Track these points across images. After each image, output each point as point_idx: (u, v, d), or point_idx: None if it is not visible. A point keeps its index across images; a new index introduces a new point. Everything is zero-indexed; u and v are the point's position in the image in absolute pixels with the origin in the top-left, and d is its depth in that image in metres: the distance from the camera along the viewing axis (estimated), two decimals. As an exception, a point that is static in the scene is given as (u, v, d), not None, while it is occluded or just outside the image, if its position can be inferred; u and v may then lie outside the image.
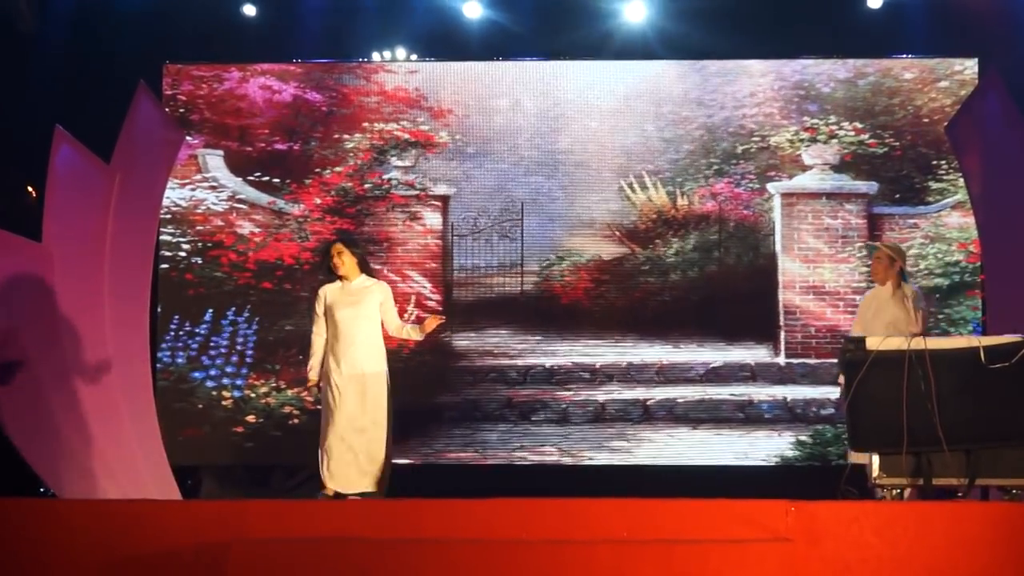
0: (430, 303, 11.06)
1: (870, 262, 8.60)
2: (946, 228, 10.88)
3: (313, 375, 8.24)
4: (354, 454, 8.04)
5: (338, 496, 7.99)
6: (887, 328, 7.99)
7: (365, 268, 8.35)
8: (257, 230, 11.17)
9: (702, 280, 10.96)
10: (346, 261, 8.23)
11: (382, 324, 8.26)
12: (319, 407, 8.35)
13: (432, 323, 8.24)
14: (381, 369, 8.19)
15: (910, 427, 6.95)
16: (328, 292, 8.28)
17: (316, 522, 6.49)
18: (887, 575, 6.19)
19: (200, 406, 10.97)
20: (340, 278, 8.26)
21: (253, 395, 10.97)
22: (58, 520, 6.54)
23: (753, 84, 11.07)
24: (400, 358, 10.84)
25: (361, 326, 8.17)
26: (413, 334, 8.36)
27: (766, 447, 10.71)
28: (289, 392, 10.91)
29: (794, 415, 10.77)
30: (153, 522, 6.50)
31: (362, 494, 8.03)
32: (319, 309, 8.27)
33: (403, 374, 10.76)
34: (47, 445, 8.73)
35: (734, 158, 11.04)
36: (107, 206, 9.38)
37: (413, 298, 11.03)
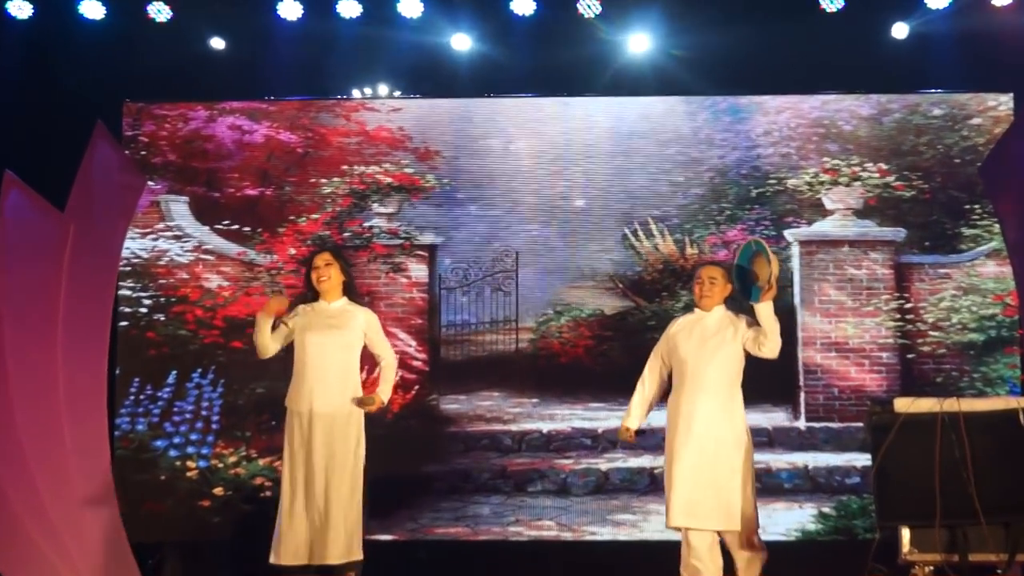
0: (415, 363, 11.04)
1: (709, 278, 8.00)
2: (980, 278, 10.86)
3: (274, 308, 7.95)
4: (316, 514, 7.76)
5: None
6: (715, 354, 7.85)
7: (350, 292, 8.12)
8: (226, 284, 11.13)
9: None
10: (332, 275, 7.95)
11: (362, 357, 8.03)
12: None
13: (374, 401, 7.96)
14: (356, 410, 7.91)
15: (943, 497, 6.96)
16: (300, 310, 8.01)
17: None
18: (920, 660, 6.17)
19: (162, 477, 10.88)
20: (317, 297, 8.01)
21: (221, 465, 10.89)
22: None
23: (768, 122, 11.09)
24: (382, 423, 10.78)
25: (335, 355, 7.89)
26: (385, 387, 8.07)
27: (786, 520, 10.61)
28: (260, 462, 10.82)
29: (816, 485, 10.66)
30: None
31: (325, 567, 7.77)
32: (284, 325, 8.00)
33: (386, 441, 10.65)
34: (-6, 522, 8.66)
35: (748, 202, 11.05)
36: (61, 258, 9.33)
37: (396, 358, 10.91)
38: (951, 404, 7.10)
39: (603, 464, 10.88)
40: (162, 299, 11.13)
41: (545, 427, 11.01)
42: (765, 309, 7.72)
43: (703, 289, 7.95)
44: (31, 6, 10.79)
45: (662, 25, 10.91)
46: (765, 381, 10.65)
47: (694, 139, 11.15)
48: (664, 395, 8.17)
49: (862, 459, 10.48)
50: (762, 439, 10.70)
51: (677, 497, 7.77)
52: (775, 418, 10.88)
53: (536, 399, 11.05)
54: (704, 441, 7.76)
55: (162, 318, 11.10)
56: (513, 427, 11.01)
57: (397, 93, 11.35)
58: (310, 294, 8.12)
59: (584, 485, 10.86)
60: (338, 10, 10.81)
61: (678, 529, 7.89)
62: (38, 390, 9.07)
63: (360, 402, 7.90)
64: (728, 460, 7.74)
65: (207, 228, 11.18)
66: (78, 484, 9.33)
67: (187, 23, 10.90)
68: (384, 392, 8.10)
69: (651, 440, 10.71)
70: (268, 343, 8.05)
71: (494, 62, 11.06)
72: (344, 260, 8.22)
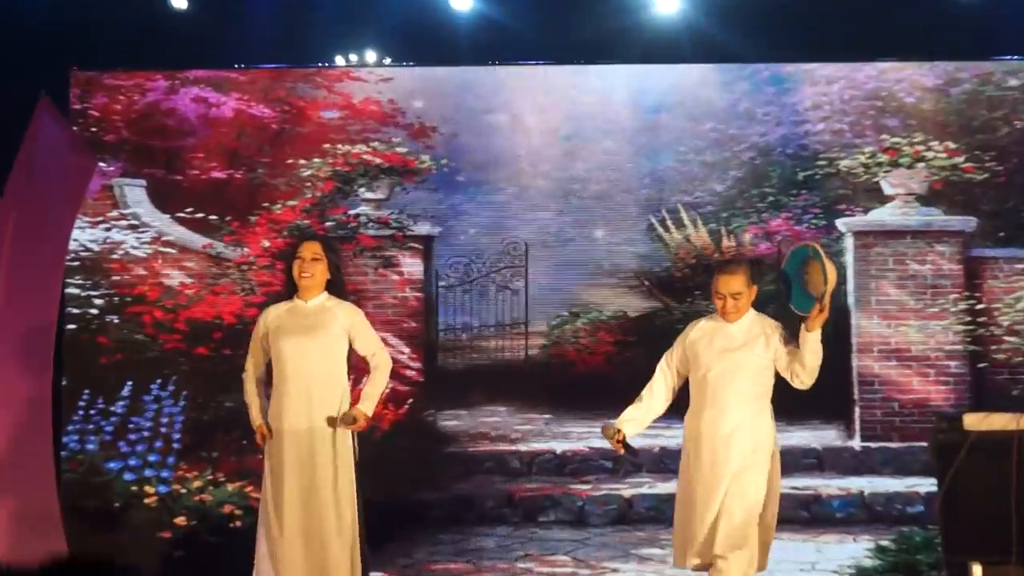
0: (409, 373, 11.03)
1: (732, 295, 7.52)
2: (1065, 275, 10.74)
3: (260, 418, 7.75)
4: (313, 548, 7.60)
5: None
6: (741, 368, 7.51)
7: (336, 287, 7.89)
8: (189, 281, 11.15)
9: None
10: (317, 273, 7.74)
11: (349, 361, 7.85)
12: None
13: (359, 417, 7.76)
14: (342, 430, 7.71)
15: (1021, 529, 6.92)
16: (271, 314, 7.84)
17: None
18: None
19: (116, 505, 10.84)
20: (293, 293, 7.82)
21: (184, 491, 10.85)
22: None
23: (818, 93, 11.10)
24: (370, 442, 10.67)
25: (315, 362, 7.68)
26: (368, 400, 7.83)
27: (838, 555, 10.52)
28: (230, 487, 10.80)
29: (873, 514, 10.69)
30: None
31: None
32: (257, 335, 7.85)
33: (374, 463, 10.48)
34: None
35: (794, 187, 11.06)
36: (0, 251, 9.35)
37: (391, 360, 10.83)
38: (1029, 420, 7.07)
39: (626, 490, 10.89)
40: (115, 298, 11.12)
41: (559, 447, 11.03)
42: (813, 338, 7.41)
43: (727, 307, 7.60)
44: (-38, -39, 10.78)
45: (695, -20, 10.92)
46: (814, 394, 10.61)
47: (731, 113, 11.18)
48: (670, 409, 7.99)
49: (926, 484, 10.41)
50: (811, 461, 10.87)
51: (695, 534, 7.54)
52: (826, 437, 10.93)
53: (549, 415, 11.07)
54: (726, 468, 7.51)
55: (116, 320, 11.10)
56: (522, 447, 11.04)
57: (387, 60, 11.38)
58: (287, 288, 7.95)
59: (604, 514, 10.85)
60: (319, -36, 10.85)
61: (703, 568, 7.63)
62: (-29, 404, 9.07)
63: (339, 422, 7.74)
64: (750, 480, 7.56)
65: (167, 216, 11.20)
66: (20, 512, 9.30)
67: (145, -20, 10.91)
68: (367, 406, 7.85)
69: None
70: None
71: (500, 24, 11.04)
72: (335, 255, 7.93)
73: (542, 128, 11.24)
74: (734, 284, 7.57)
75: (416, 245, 11.17)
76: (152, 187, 11.21)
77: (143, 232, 11.18)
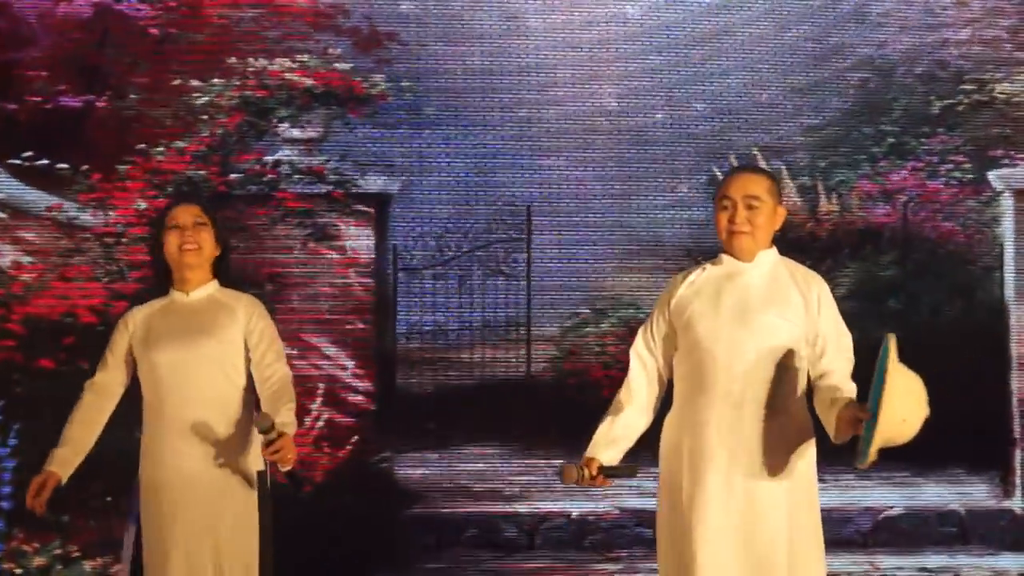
0: (355, 397, 10.95)
1: (746, 198, 6.39)
2: None
3: (57, 465, 7.10)
4: None
5: None
6: (766, 339, 6.30)
7: (223, 273, 7.35)
8: (27, 260, 11.03)
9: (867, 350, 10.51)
10: (205, 243, 7.17)
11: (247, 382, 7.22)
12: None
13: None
14: (249, 464, 7.08)
15: None
16: (138, 316, 7.26)
17: None
18: None
19: (-82, 593, 10.48)
20: (167, 285, 7.26)
21: (19, 571, 10.68)
22: None
23: (962, -16, 10.71)
24: (297, 501, 10.07)
25: (205, 381, 7.12)
26: (288, 429, 7.05)
27: (989, 671, 10.31)
28: (87, 565, 10.63)
29: (1045, 611, 10.37)
30: None
31: None
32: (117, 346, 7.25)
33: (304, 529, 10.46)
34: None
35: (927, 123, 11.13)
36: None
37: (320, 388, 10.73)
38: None
39: (676, 571, 10.49)
40: (-83, 288, 10.92)
41: (575, 508, 10.99)
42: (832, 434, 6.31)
43: (736, 218, 6.37)
44: None
45: None
46: (955, 429, 10.00)
47: (832, 16, 11.24)
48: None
49: (1121, 567, 10.32)
50: (949, 530, 10.98)
51: None
52: (972, 494, 11.00)
53: (561, 459, 10.36)
54: (744, 507, 6.36)
55: (-85, 320, 10.92)
56: (521, 507, 10.99)
57: (323, -68, 11.05)
58: (157, 279, 7.37)
59: (644, 607, 10.43)
60: None
61: None
62: None
63: (258, 425, 6.94)
64: (786, 540, 6.34)
65: (-5, 166, 10.86)
66: None
67: None
68: (286, 417, 7.07)
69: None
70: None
71: None
72: (221, 220, 7.46)
73: (552, 36, 11.15)
74: (751, 184, 6.41)
75: (364, 208, 11.12)
76: (-27, 122, 10.99)
77: (-41, 189, 10.92)
